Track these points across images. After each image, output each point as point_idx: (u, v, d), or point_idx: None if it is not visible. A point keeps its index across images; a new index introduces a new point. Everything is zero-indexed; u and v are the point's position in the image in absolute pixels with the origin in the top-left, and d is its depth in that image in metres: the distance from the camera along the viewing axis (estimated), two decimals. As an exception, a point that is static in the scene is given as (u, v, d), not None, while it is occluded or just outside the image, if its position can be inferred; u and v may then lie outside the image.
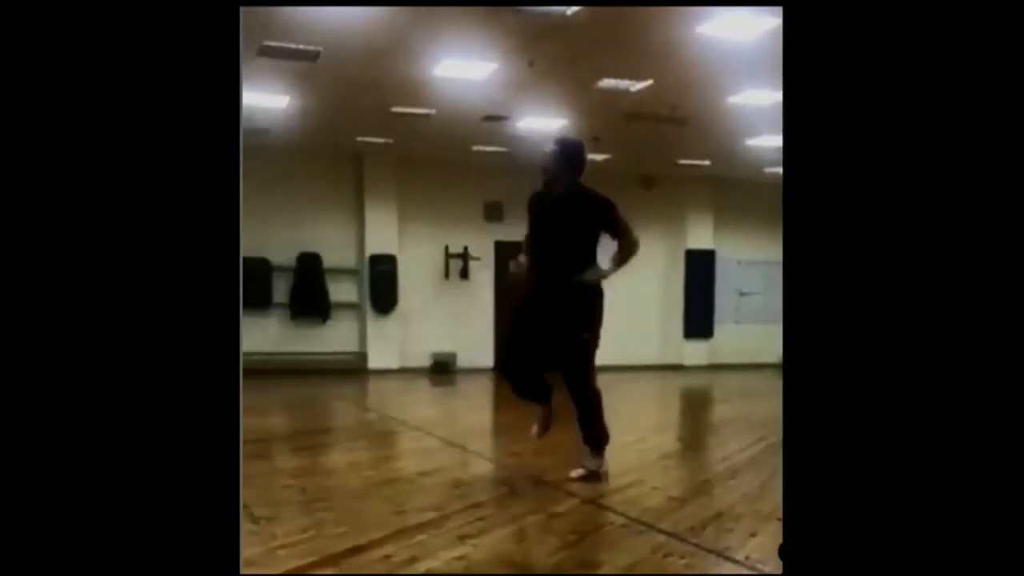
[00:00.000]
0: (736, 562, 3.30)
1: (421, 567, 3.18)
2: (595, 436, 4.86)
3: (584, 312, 4.73)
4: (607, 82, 8.88)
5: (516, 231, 15.28)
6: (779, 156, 12.65)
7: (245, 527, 3.44)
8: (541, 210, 4.92)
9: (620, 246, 4.80)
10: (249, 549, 3.21)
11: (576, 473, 4.80)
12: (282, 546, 3.41)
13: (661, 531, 3.73)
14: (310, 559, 3.25)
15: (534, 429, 5.10)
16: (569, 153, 4.92)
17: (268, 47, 7.65)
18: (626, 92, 9.16)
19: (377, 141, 12.01)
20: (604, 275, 4.74)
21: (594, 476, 4.77)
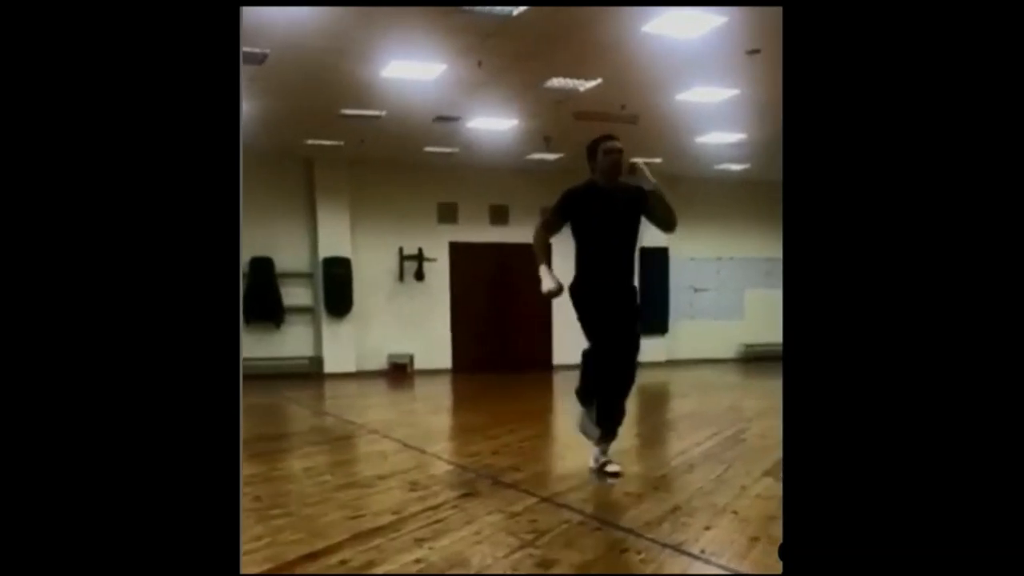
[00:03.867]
0: (692, 556, 3.33)
1: (378, 571, 3.17)
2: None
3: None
4: (556, 81, 8.91)
5: (470, 232, 15.25)
6: (729, 153, 12.81)
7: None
8: (594, 207, 5.04)
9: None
10: (203, 559, 3.16)
11: (614, 468, 4.91)
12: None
13: (618, 527, 3.76)
14: (266, 566, 3.22)
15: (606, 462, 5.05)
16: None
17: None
18: (575, 91, 9.20)
19: (328, 144, 11.93)
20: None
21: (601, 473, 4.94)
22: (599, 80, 8.84)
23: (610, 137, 5.02)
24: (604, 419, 4.91)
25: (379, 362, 13.71)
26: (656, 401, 10.76)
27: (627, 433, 7.58)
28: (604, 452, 4.99)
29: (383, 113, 10.16)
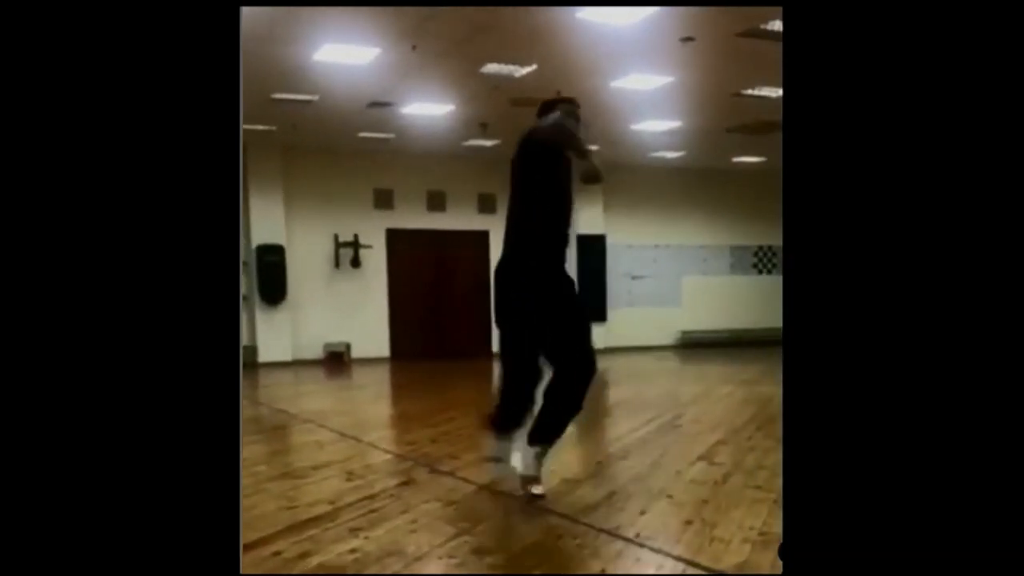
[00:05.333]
0: (626, 539, 3.35)
1: (312, 562, 3.13)
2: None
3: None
4: (492, 67, 8.87)
5: (407, 218, 15.17)
6: (665, 140, 12.91)
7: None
8: (557, 177, 4.33)
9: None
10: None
11: (539, 490, 3.97)
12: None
13: (555, 513, 3.76)
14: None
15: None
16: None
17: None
18: (511, 77, 9.17)
19: (259, 128, 11.71)
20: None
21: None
22: (535, 66, 8.82)
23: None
24: (567, 411, 4.08)
25: (315, 351, 13.56)
26: (593, 388, 10.82)
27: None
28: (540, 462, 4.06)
29: (315, 98, 10.01)
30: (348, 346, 13.74)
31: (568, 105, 4.31)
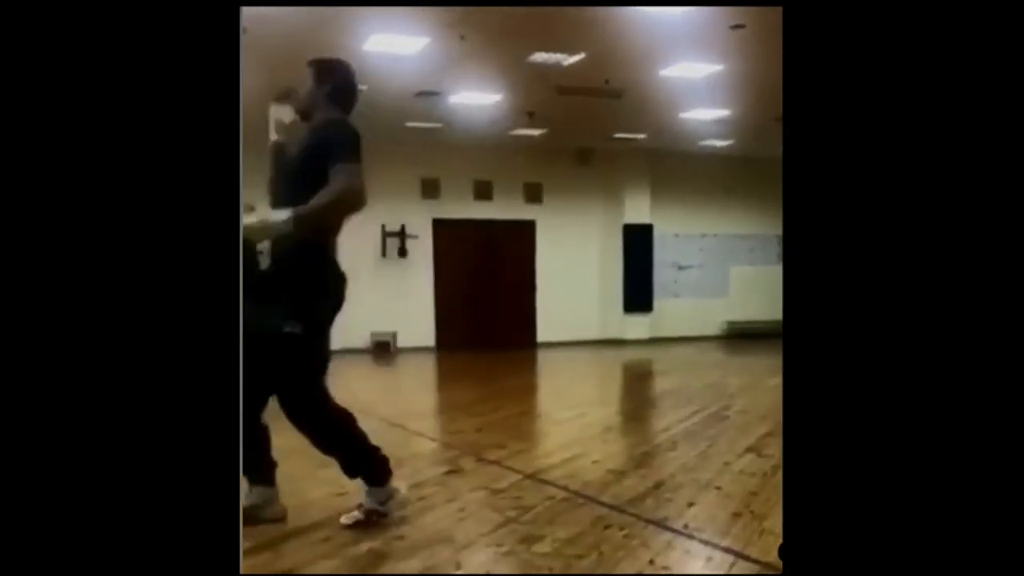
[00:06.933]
0: (675, 531, 3.33)
1: (362, 548, 3.16)
2: (361, 466, 3.51)
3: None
4: (539, 56, 8.83)
5: (453, 208, 15.21)
6: (713, 129, 12.78)
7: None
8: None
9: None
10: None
11: (349, 519, 3.43)
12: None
13: (601, 503, 3.76)
14: (247, 544, 3.20)
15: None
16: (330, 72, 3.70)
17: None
18: (559, 66, 9.13)
19: (309, 119, 11.79)
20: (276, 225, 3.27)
21: (377, 514, 3.44)
22: (583, 54, 8.77)
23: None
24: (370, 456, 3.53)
25: (362, 339, 13.66)
26: (639, 379, 10.79)
27: (610, 411, 7.62)
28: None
29: (364, 87, 10.04)
30: (394, 335, 13.83)
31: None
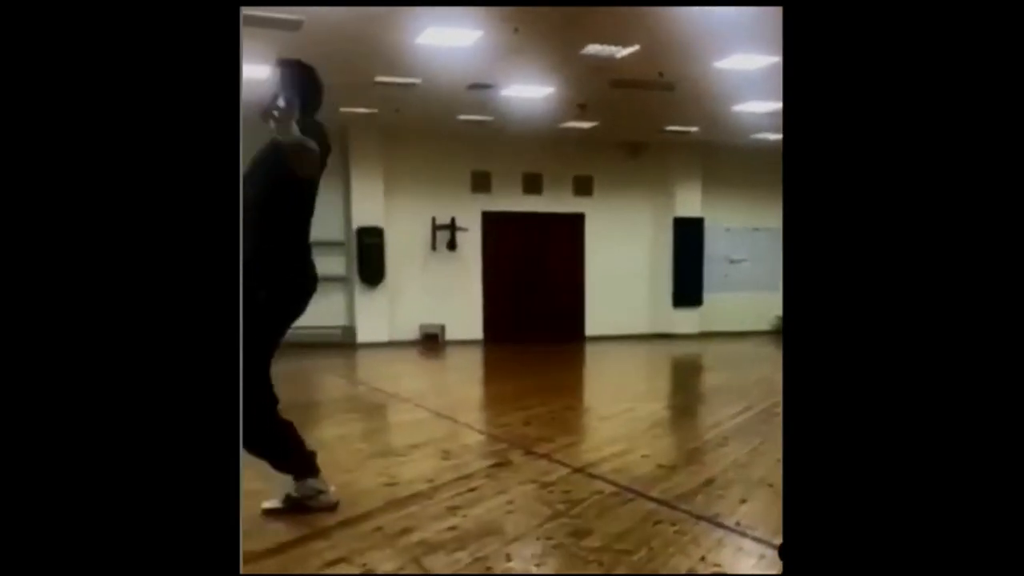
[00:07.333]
0: (727, 528, 3.30)
1: (413, 538, 3.18)
2: (292, 465, 3.54)
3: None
4: (593, 48, 8.79)
5: (503, 201, 15.20)
6: (767, 121, 12.61)
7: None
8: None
9: None
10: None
11: (270, 504, 3.51)
12: (273, 520, 3.41)
13: (651, 499, 3.74)
14: (301, 532, 3.25)
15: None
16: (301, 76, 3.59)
17: (250, 16, 7.53)
18: (612, 58, 9.08)
19: (362, 112, 11.89)
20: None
21: (298, 506, 3.49)
22: (636, 47, 8.71)
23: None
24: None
25: (411, 332, 13.75)
26: (689, 374, 10.71)
27: (659, 406, 7.57)
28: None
29: (418, 80, 10.10)
30: (443, 328, 13.89)
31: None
